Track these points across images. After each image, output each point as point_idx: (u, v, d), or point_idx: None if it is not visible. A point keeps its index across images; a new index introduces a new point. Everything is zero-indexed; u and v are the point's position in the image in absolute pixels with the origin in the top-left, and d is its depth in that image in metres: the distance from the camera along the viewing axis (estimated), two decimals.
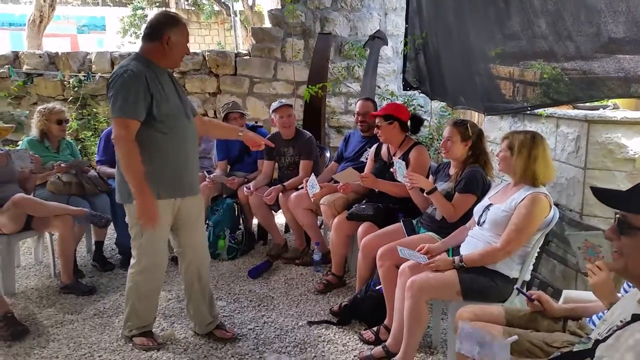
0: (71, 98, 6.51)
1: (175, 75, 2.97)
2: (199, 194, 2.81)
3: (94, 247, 4.13)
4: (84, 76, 6.52)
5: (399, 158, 3.42)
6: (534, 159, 2.45)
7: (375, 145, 3.73)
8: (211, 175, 4.32)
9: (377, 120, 3.49)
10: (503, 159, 2.58)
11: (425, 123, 5.79)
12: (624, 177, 2.05)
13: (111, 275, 3.91)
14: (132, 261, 2.72)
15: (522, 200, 2.43)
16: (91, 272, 3.96)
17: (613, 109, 3.27)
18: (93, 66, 6.66)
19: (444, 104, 5.67)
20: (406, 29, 5.30)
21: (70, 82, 6.50)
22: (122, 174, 2.53)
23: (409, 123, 3.53)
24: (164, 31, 2.52)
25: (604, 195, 1.37)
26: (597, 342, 1.37)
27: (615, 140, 2.97)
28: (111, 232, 4.27)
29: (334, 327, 3.09)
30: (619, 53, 2.53)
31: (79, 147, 4.99)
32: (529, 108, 3.47)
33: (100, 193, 3.96)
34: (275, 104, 4.23)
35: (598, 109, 3.22)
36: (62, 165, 3.83)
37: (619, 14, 2.46)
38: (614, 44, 2.53)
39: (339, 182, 3.80)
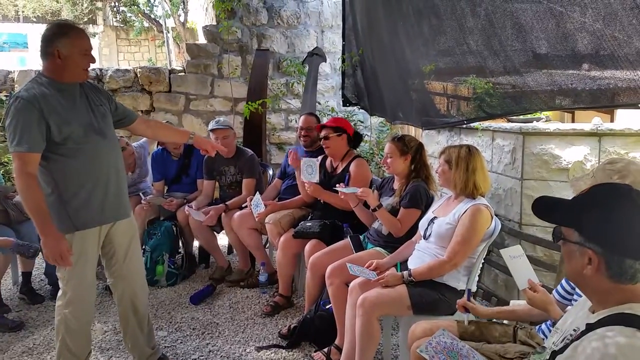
0: None
1: None
2: (127, 217, 2.58)
3: (20, 279, 3.82)
4: (6, 96, 6.10)
5: (342, 171, 3.44)
6: (473, 171, 2.52)
7: (320, 157, 3.70)
8: (147, 197, 4.13)
9: (323, 132, 3.49)
10: (442, 174, 2.63)
11: (366, 138, 5.87)
12: (569, 186, 2.16)
13: (41, 308, 3.62)
14: (59, 293, 2.51)
15: (464, 212, 2.47)
16: (18, 306, 3.66)
17: (546, 121, 3.42)
18: (16, 85, 6.25)
19: (383, 119, 5.76)
20: (343, 45, 5.36)
21: None
22: (54, 204, 2.34)
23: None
24: (54, 45, 2.31)
25: (541, 210, 1.42)
26: (554, 353, 1.38)
27: (549, 151, 3.10)
28: (39, 261, 3.98)
29: (284, 351, 3.00)
30: (548, 68, 2.64)
31: (1, 171, 4.64)
32: (465, 122, 3.56)
33: (27, 220, 3.67)
34: (211, 124, 4.11)
35: (532, 122, 3.36)
36: None
37: (546, 31, 2.57)
38: (543, 60, 2.63)
39: (284, 199, 3.78)
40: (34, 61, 15.04)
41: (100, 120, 2.45)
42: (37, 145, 2.24)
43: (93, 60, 2.41)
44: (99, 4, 16.96)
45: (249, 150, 4.29)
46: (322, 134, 3.52)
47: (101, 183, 2.41)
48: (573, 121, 3.93)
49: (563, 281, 1.97)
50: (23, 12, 16.09)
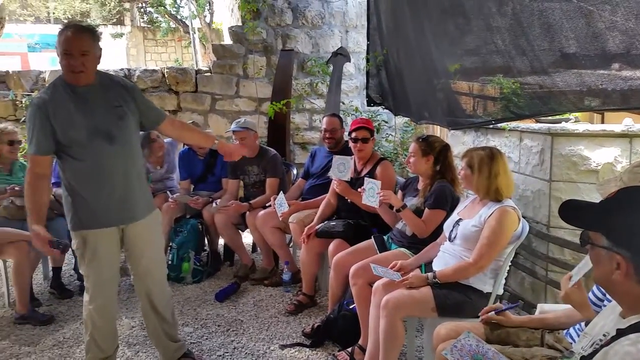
0: (23, 118, 6.23)
1: None
2: (138, 221, 2.55)
3: (51, 274, 3.92)
4: None
5: (367, 174, 3.41)
6: (495, 176, 2.49)
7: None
8: (174, 196, 4.20)
9: (361, 133, 3.42)
10: (464, 178, 2.62)
11: (390, 138, 5.85)
12: (596, 189, 2.11)
13: (70, 303, 3.71)
14: (85, 290, 2.58)
15: (490, 215, 2.45)
16: (49, 300, 3.76)
17: (575, 122, 3.35)
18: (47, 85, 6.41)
19: (407, 119, 5.73)
20: (367, 45, 5.35)
21: (23, 102, 6.23)
22: (67, 201, 2.44)
23: None
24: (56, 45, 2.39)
25: (568, 214, 1.41)
26: (583, 358, 1.36)
27: (578, 152, 3.04)
28: (69, 257, 4.08)
29: (307, 349, 3.01)
30: (577, 68, 2.59)
31: None
32: (493, 122, 3.52)
33: (57, 217, 3.77)
34: (232, 126, 4.14)
35: (560, 122, 3.30)
36: (15, 188, 3.62)
37: (576, 30, 2.52)
38: (572, 59, 2.59)
39: (308, 199, 3.79)
40: None
41: (113, 123, 2.42)
42: (43, 148, 2.34)
43: (74, 62, 2.31)
44: (127, 5, 17.25)
45: (272, 149, 4.32)
46: (359, 135, 3.42)
47: (105, 187, 2.42)
48: (602, 122, 3.85)
49: (594, 288, 1.94)
50: (54, 13, 16.46)
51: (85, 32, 2.37)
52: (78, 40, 2.33)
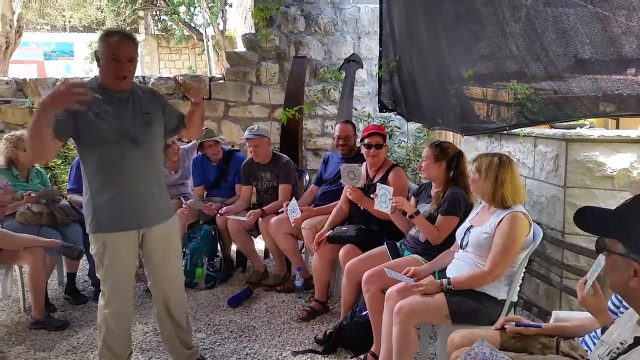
0: None
1: None
2: (157, 225, 2.57)
3: (65, 279, 3.96)
4: None
5: (379, 180, 3.40)
6: (502, 183, 2.47)
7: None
8: (188, 202, 4.23)
9: (374, 139, 3.41)
10: (473, 181, 2.61)
11: (402, 144, 5.85)
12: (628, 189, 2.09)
13: (84, 309, 3.74)
14: (100, 294, 2.60)
15: (500, 221, 2.43)
16: (63, 306, 3.79)
17: (589, 127, 3.32)
18: None
19: (419, 125, 5.72)
20: (380, 52, 5.36)
21: None
22: (88, 204, 2.46)
23: None
24: (97, 49, 2.43)
25: (584, 221, 1.40)
26: None
27: (593, 158, 3.02)
28: (84, 263, 4.11)
29: (320, 356, 3.00)
30: (592, 73, 2.57)
31: (48, 175, 4.81)
32: (507, 128, 3.50)
33: (72, 222, 3.82)
34: (245, 133, 4.17)
35: (575, 128, 3.27)
36: (32, 194, 3.68)
37: (591, 35, 2.50)
38: (587, 64, 2.57)
39: (320, 205, 3.78)
40: (79, 69, 15.63)
41: (140, 128, 2.47)
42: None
43: (121, 67, 2.37)
44: (141, 13, 17.47)
45: (285, 156, 4.33)
46: (373, 141, 3.41)
47: (125, 190, 2.45)
48: (617, 127, 3.81)
49: (613, 296, 1.91)
50: (70, 22, 16.72)
51: (130, 39, 2.44)
52: (126, 46, 2.39)
